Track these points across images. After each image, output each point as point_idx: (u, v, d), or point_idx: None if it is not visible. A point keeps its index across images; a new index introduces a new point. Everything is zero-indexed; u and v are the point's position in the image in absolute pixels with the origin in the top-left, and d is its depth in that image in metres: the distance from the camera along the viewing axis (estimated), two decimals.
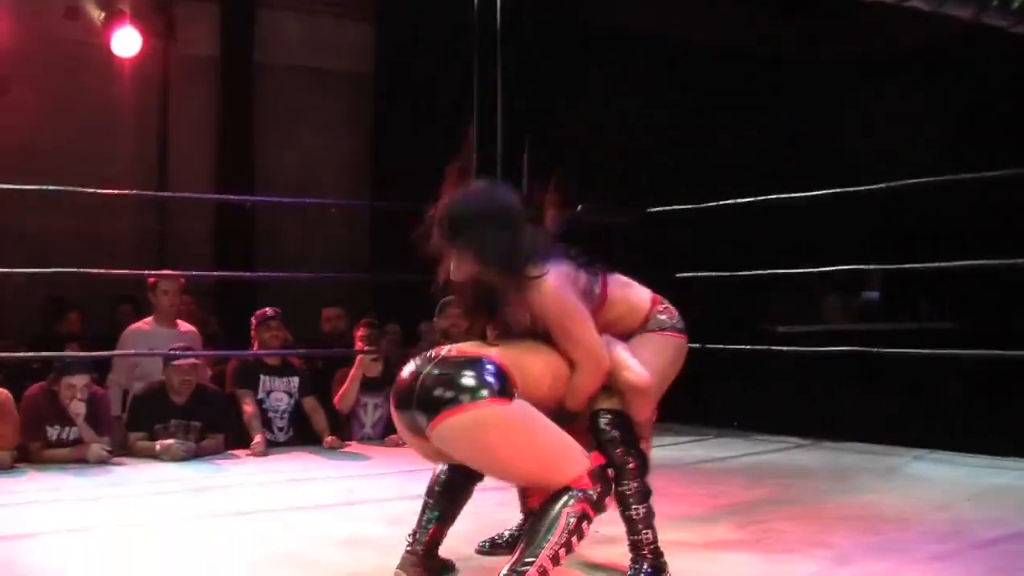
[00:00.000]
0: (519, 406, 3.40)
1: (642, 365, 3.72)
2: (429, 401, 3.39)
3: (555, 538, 3.30)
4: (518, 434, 3.40)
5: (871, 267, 7.61)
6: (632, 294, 3.96)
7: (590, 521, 3.40)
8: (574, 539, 3.34)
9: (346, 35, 10.87)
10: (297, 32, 10.59)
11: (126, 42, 9.50)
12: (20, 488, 5.82)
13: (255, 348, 7.51)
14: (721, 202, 7.69)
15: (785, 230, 8.73)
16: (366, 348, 7.64)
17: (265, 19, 10.45)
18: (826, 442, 7.35)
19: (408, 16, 10.40)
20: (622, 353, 3.71)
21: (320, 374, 7.77)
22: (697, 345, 7.73)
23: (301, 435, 7.46)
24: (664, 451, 7.29)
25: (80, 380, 6.69)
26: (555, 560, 3.30)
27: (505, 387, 3.38)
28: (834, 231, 8.68)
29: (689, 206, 7.99)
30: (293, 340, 7.97)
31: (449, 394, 3.36)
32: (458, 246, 3.59)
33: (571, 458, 3.45)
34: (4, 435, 6.49)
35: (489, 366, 3.41)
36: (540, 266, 3.56)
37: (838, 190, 7.08)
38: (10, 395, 6.61)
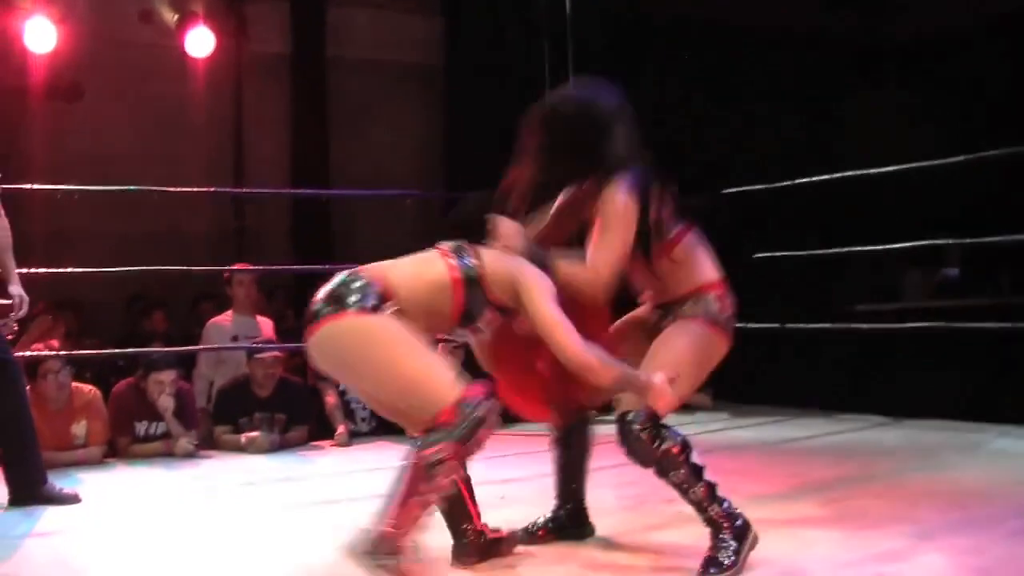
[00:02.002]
0: (381, 321, 3.34)
1: (670, 349, 3.63)
2: (308, 316, 3.44)
3: (405, 488, 3.20)
4: (375, 348, 3.32)
5: (949, 242, 7.54)
6: (699, 258, 3.80)
7: (452, 468, 3.26)
8: (424, 486, 3.20)
9: (416, 28, 10.91)
10: (367, 27, 10.65)
11: (199, 43, 9.62)
12: (111, 482, 5.96)
13: None
14: (796, 180, 7.64)
15: (861, 207, 8.64)
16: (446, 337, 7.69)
17: (335, 15, 10.53)
18: (908, 420, 7.29)
19: (477, 8, 10.42)
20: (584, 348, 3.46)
21: None
22: (776, 325, 7.80)
23: (383, 425, 7.52)
24: (745, 431, 7.29)
25: (168, 375, 6.83)
26: (411, 515, 3.21)
27: (368, 302, 3.35)
28: (911, 206, 8.57)
29: (763, 186, 7.95)
30: None
31: (318, 307, 3.40)
32: (551, 142, 3.72)
33: (435, 387, 3.30)
34: (94, 431, 6.65)
35: (359, 282, 3.40)
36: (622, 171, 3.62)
37: (911, 165, 7.01)
38: (99, 392, 6.77)
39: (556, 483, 4.16)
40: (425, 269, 3.54)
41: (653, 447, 3.51)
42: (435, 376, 3.32)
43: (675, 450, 3.52)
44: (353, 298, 3.36)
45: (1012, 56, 9.14)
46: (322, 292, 3.45)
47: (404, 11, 10.86)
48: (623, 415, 3.55)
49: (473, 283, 3.51)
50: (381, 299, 3.38)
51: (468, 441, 3.25)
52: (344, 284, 3.43)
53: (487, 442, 3.33)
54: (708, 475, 3.57)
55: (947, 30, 9.73)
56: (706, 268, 3.81)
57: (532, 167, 3.78)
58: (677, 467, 3.52)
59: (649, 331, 3.81)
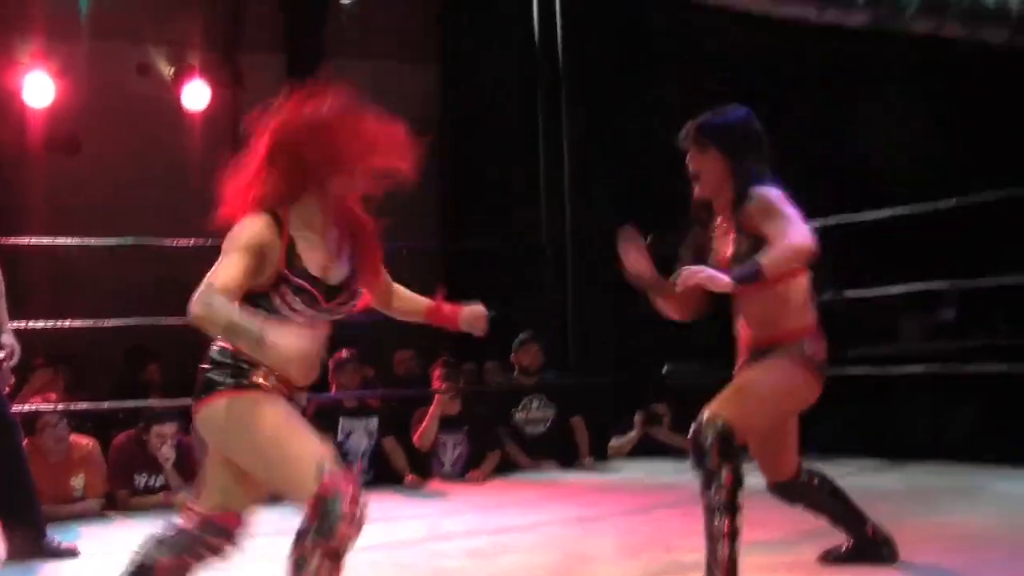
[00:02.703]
0: (249, 400, 3.15)
1: (762, 379, 3.74)
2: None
3: None
4: (240, 434, 3.16)
5: (945, 284, 7.58)
6: (803, 298, 3.89)
7: (324, 567, 3.04)
8: None
9: (413, 80, 10.98)
10: (364, 78, 10.68)
11: (196, 95, 9.70)
12: (109, 536, 5.94)
13: (333, 391, 7.60)
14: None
15: (859, 249, 8.66)
16: (444, 387, 7.72)
17: (332, 66, 10.60)
18: (907, 463, 7.28)
19: (474, 60, 10.49)
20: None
21: (397, 414, 7.84)
22: None
23: (382, 475, 7.53)
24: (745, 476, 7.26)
25: (170, 428, 6.85)
26: None
27: (240, 381, 3.18)
28: (908, 248, 8.60)
29: None
30: (374, 376, 8.07)
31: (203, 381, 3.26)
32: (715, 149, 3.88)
33: (295, 475, 3.09)
34: (92, 483, 6.64)
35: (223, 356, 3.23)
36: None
37: (909, 208, 7.05)
38: (97, 444, 6.77)
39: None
40: None
41: (713, 459, 3.59)
42: (294, 463, 3.10)
43: (727, 477, 3.59)
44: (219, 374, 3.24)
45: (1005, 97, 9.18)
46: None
47: (400, 61, 10.93)
48: (712, 416, 3.63)
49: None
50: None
51: (331, 539, 3.04)
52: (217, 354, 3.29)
53: (358, 535, 3.13)
54: (740, 521, 3.63)
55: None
56: (806, 312, 3.88)
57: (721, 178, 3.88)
58: (719, 489, 3.60)
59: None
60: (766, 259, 3.56)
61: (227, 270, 3.08)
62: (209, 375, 3.23)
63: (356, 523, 3.07)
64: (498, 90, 10.19)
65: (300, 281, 3.16)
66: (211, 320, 3.02)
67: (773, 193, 3.73)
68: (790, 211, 3.69)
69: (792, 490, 4.22)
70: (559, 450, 8.20)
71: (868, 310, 9.73)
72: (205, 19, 10.17)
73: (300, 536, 3.04)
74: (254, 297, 3.16)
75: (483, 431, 7.93)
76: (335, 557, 3.06)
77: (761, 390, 3.74)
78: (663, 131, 9.52)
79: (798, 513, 5.65)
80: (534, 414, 8.19)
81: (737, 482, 3.61)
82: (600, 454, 8.29)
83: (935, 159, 9.27)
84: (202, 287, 3.03)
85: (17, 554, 5.15)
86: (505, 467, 7.96)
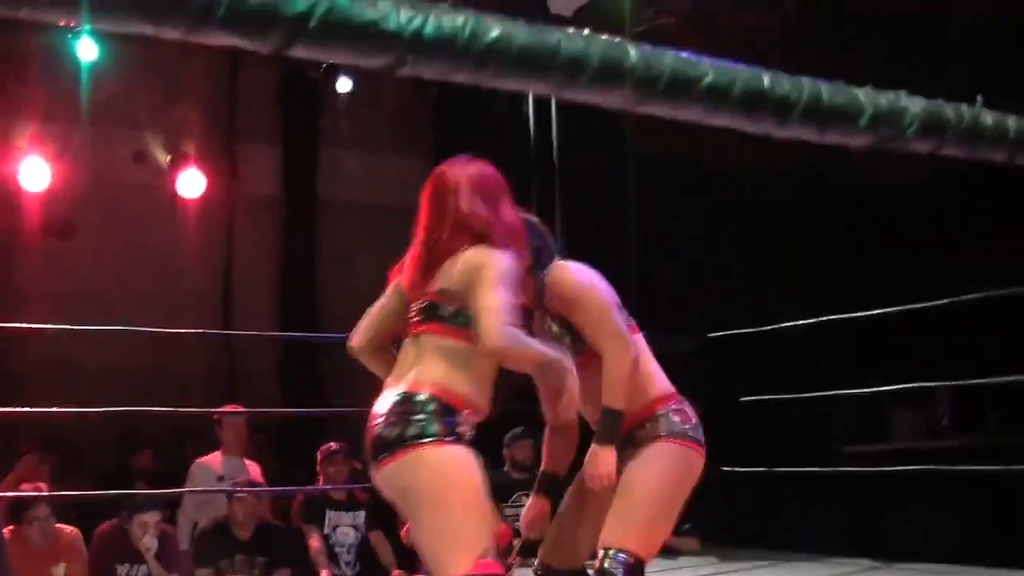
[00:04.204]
0: (451, 452, 3.12)
1: (645, 481, 3.41)
2: (376, 444, 3.23)
3: None
4: (433, 487, 3.11)
5: (938, 384, 7.58)
6: (649, 367, 3.61)
7: None
8: None
9: (406, 170, 11.04)
10: (358, 169, 10.80)
11: (191, 184, 9.76)
12: None
13: (320, 483, 7.54)
14: (783, 324, 7.70)
15: (849, 348, 8.69)
16: None
17: (327, 157, 10.68)
18: (898, 563, 7.23)
19: (467, 151, 10.56)
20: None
21: (386, 507, 7.75)
22: (764, 469, 7.78)
23: (368, 570, 7.44)
24: (735, 575, 7.22)
25: (152, 517, 6.76)
26: None
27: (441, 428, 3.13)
28: (900, 347, 8.62)
29: (750, 329, 8.00)
30: (362, 469, 8.01)
31: (385, 433, 3.18)
32: None
33: (447, 554, 3.06)
34: (74, 573, 6.55)
35: (430, 402, 3.16)
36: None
37: (900, 308, 7.08)
38: (80, 533, 6.70)
39: None
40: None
41: None
42: (453, 541, 3.07)
43: None
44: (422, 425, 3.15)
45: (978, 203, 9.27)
46: (384, 414, 3.22)
47: (395, 153, 11.01)
48: (607, 551, 3.34)
49: None
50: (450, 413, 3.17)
51: None
52: (409, 402, 3.19)
53: None
54: None
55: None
56: (658, 376, 3.63)
57: None
58: None
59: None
60: (609, 396, 3.40)
61: (504, 302, 3.13)
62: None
63: None
64: None
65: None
66: (521, 353, 3.16)
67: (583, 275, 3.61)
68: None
69: None
70: None
71: (859, 408, 9.74)
72: (202, 108, 10.26)
73: None
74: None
75: None
76: None
77: (651, 497, 3.42)
78: (653, 225, 9.61)
79: None
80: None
81: None
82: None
83: (929, 257, 9.34)
84: (491, 319, 3.08)
85: None
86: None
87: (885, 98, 1.93)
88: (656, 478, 3.44)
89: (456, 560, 3.03)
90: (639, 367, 3.53)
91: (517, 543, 3.56)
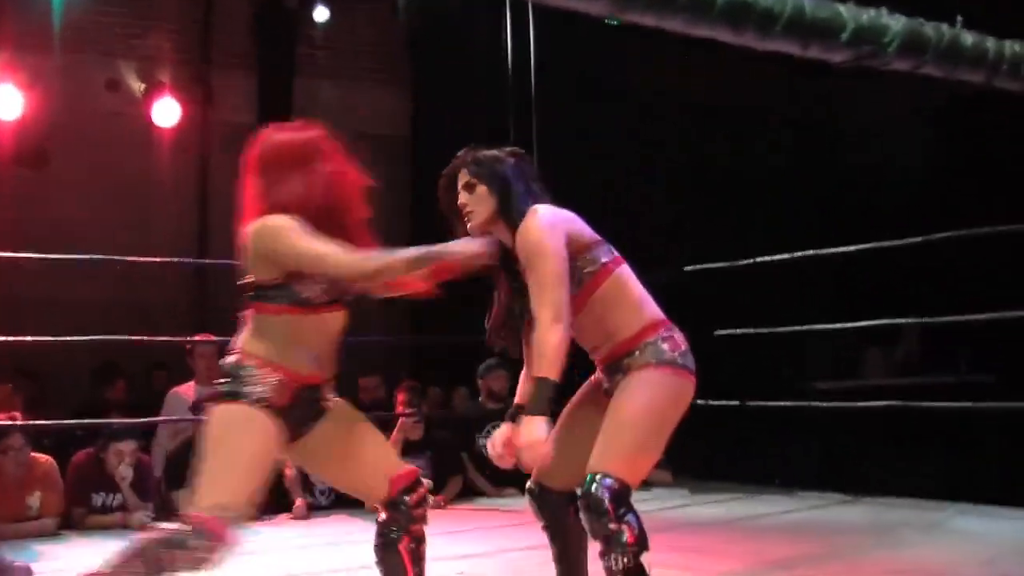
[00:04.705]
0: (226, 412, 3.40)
1: (633, 408, 3.39)
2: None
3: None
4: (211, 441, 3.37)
5: (909, 320, 7.62)
6: (638, 295, 3.58)
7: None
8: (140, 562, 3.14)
9: (382, 100, 11.00)
10: (334, 98, 10.70)
11: (166, 112, 9.67)
12: (66, 554, 5.87)
13: None
14: (757, 259, 7.71)
15: (822, 284, 8.74)
16: (407, 411, 7.68)
17: (302, 86, 10.58)
18: (868, 498, 7.30)
19: (444, 80, 10.50)
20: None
21: None
22: (737, 403, 7.83)
23: (342, 498, 7.46)
24: (706, 508, 7.27)
25: (128, 446, 6.78)
26: None
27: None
28: (871, 284, 8.66)
29: (725, 263, 8.01)
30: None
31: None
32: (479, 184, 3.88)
33: (207, 491, 3.28)
34: (49, 502, 6.57)
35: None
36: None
37: (873, 244, 7.09)
38: (55, 463, 6.70)
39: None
40: None
41: (611, 522, 3.29)
42: (212, 480, 3.31)
43: (629, 539, 3.29)
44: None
45: (963, 139, 9.28)
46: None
47: (371, 83, 10.95)
48: (593, 476, 3.33)
49: None
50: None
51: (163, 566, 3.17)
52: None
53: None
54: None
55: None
56: (646, 303, 3.59)
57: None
58: (622, 554, 3.29)
59: (603, 401, 3.55)
60: (544, 367, 3.36)
61: (318, 245, 3.54)
62: None
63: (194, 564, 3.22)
64: (468, 113, 10.20)
65: None
66: (382, 265, 3.63)
67: (542, 224, 3.56)
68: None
69: (560, 505, 3.80)
70: (523, 477, 8.13)
71: (832, 345, 9.80)
72: (176, 36, 10.14)
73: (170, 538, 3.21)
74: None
75: (446, 456, 7.88)
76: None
77: (638, 423, 3.39)
78: (632, 158, 9.60)
79: (757, 543, 5.68)
80: None
81: (641, 545, 3.31)
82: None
83: (908, 196, 9.37)
84: (328, 259, 3.48)
85: None
86: (468, 493, 7.92)
87: (867, 14, 1.92)
88: (644, 405, 3.41)
89: (202, 502, 3.25)
90: (628, 296, 3.54)
91: (428, 484, 3.57)
